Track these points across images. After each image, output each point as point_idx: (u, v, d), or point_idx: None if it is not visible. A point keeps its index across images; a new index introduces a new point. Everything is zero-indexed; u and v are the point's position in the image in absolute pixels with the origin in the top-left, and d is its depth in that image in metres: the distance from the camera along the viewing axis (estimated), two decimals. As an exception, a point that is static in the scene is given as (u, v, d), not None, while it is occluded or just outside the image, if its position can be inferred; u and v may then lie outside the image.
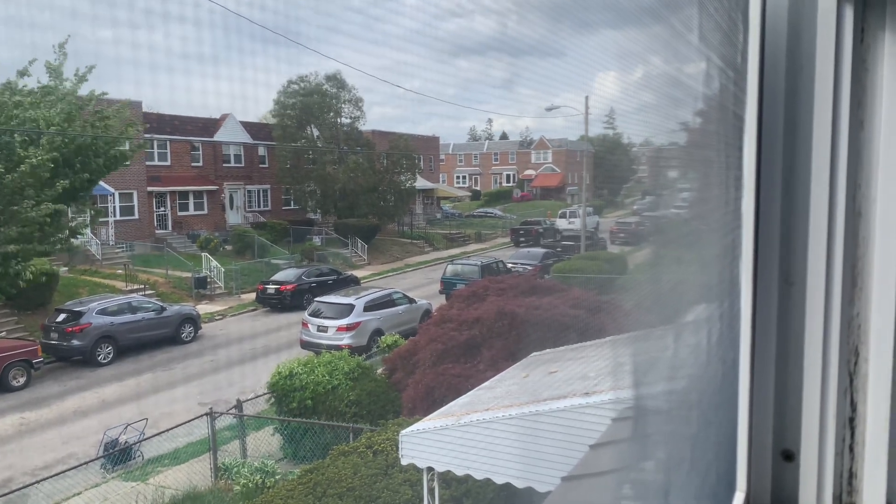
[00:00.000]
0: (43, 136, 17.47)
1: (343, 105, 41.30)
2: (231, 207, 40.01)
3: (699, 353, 1.28)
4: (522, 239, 44.89)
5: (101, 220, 28.05)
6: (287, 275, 26.57)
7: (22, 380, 16.70)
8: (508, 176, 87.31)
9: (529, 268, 27.44)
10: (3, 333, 20.10)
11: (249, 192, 41.30)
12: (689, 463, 1.17)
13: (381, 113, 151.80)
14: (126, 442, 11.76)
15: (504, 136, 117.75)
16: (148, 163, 34.26)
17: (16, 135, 17.24)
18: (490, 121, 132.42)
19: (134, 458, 11.88)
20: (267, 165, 42.18)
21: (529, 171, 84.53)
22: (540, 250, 32.33)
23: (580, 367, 7.28)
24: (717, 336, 1.27)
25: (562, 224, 48.36)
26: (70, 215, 21.11)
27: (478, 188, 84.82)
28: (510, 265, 27.62)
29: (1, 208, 16.57)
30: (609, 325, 10.56)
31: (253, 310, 26.14)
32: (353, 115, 42.04)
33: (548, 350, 9.19)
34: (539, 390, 6.60)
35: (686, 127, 1.34)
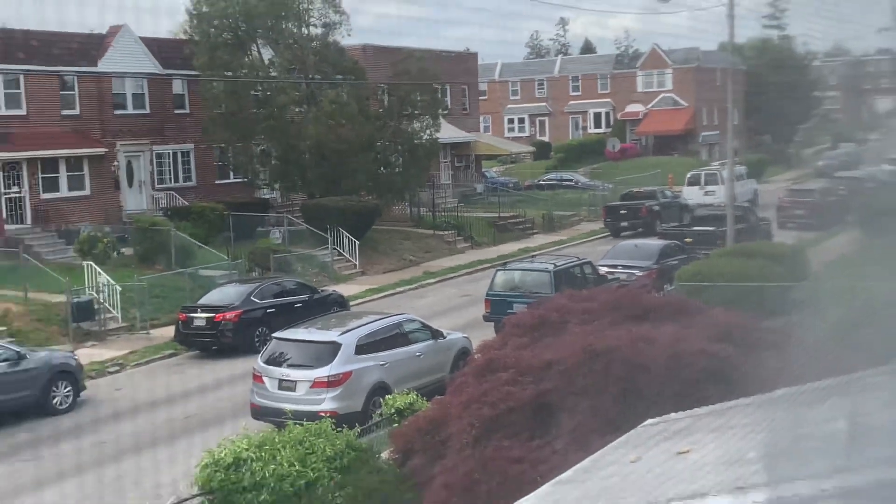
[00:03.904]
0: None
1: (311, 6, 41.58)
2: (130, 184, 40.57)
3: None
4: (625, 224, 44.72)
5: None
6: (226, 295, 26.84)
7: None
8: (598, 116, 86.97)
9: (638, 274, 27.23)
10: None
11: (160, 157, 41.86)
12: None
13: (378, 15, 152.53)
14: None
15: (589, 49, 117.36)
16: (-11, 112, 34.95)
17: None
18: (564, 21, 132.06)
19: None
20: (188, 111, 42.67)
21: (634, 107, 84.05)
22: (656, 243, 32.16)
23: (731, 442, 7.21)
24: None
25: (693, 196, 48.12)
26: None
27: (545, 138, 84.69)
28: (605, 270, 27.50)
29: None
30: (780, 369, 10.42)
31: (171, 354, 26.43)
32: (327, 22, 42.33)
33: (672, 415, 9.11)
34: (660, 485, 6.55)
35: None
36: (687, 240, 33.72)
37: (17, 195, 36.27)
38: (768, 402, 8.33)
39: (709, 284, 22.68)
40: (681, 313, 14.13)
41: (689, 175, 51.73)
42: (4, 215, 35.40)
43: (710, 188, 48.06)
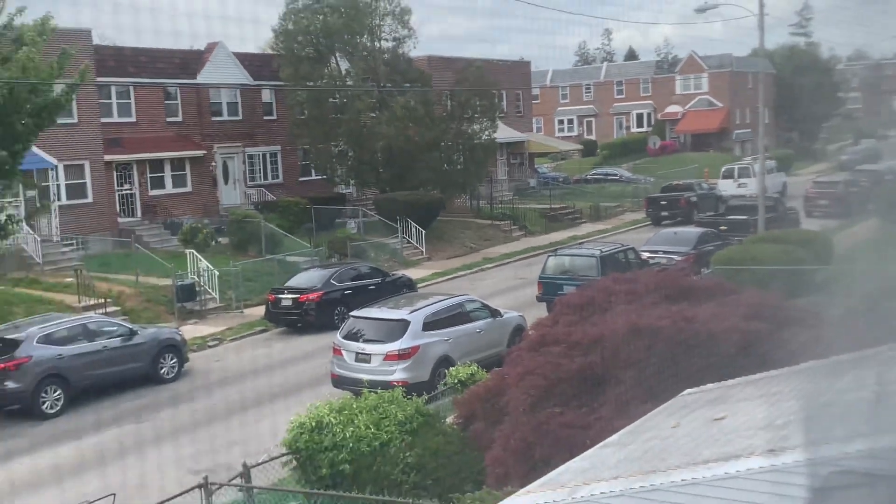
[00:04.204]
0: None
1: (382, 21, 41.71)
2: (226, 181, 41.16)
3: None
4: (665, 213, 44.33)
5: (45, 206, 29.32)
6: (309, 278, 27.12)
7: (-60, 439, 17.72)
8: (640, 116, 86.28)
9: (677, 258, 26.97)
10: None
11: (251, 157, 42.40)
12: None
13: (441, 30, 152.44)
14: (86, 528, 12.30)
15: (632, 56, 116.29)
16: (104, 119, 35.65)
17: None
18: (608, 32, 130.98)
19: (98, 550, 12.43)
20: (275, 118, 43.15)
21: (673, 108, 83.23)
22: (694, 230, 31.82)
23: (762, 409, 7.12)
24: None
25: (727, 188, 47.56)
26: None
27: (592, 137, 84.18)
28: (647, 255, 27.28)
29: None
30: (809, 343, 10.27)
31: (262, 330, 26.81)
32: (397, 36, 42.45)
33: (708, 385, 9.03)
34: (697, 447, 6.50)
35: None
36: (721, 228, 33.43)
37: (129, 192, 37.04)
38: (796, 374, 8.22)
39: (742, 268, 22.41)
40: (716, 294, 13.98)
41: (723, 169, 51.16)
42: (118, 210, 36.16)
43: (742, 181, 47.44)
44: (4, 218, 21.90)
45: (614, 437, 8.00)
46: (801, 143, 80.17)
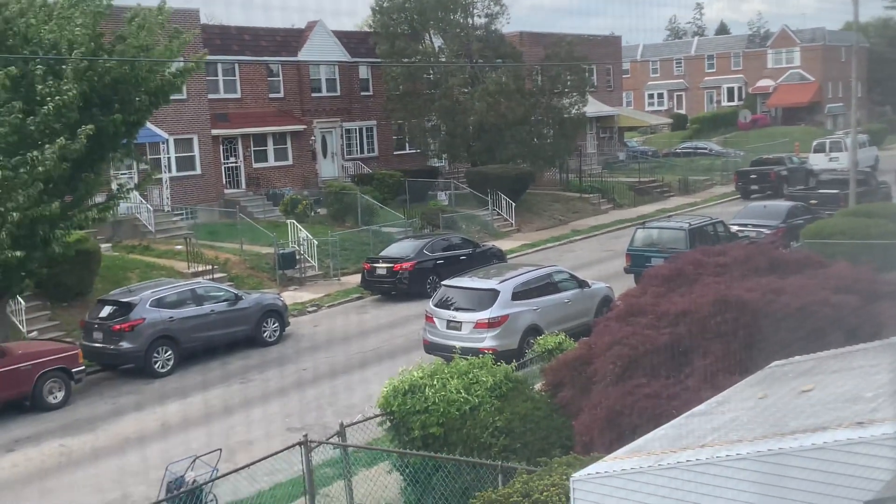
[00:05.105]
0: (68, 65, 18.75)
1: (475, -2, 41.54)
2: (324, 154, 41.73)
3: None
4: (755, 187, 43.34)
5: (155, 177, 30.17)
6: (403, 248, 27.38)
7: (60, 395, 18.57)
8: (731, 91, 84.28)
9: (767, 232, 26.39)
10: (35, 334, 22.40)
11: (348, 132, 42.85)
12: None
13: (532, 4, 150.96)
14: (194, 481, 12.72)
15: (723, 30, 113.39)
16: (210, 96, 36.46)
17: (38, 65, 18.74)
18: (700, 6, 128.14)
19: (205, 502, 12.86)
20: (371, 93, 43.49)
21: (765, 82, 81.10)
22: (784, 204, 31.08)
23: (849, 382, 6.98)
24: None
25: (818, 162, 46.26)
26: (109, 172, 22.77)
27: (682, 111, 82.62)
28: (736, 228, 26.78)
29: (14, 164, 18.15)
30: (897, 318, 9.98)
31: (357, 297, 27.23)
32: (489, 13, 42.25)
33: (797, 358, 8.87)
34: (784, 418, 6.41)
35: None
36: (812, 202, 32.59)
37: (234, 165, 37.86)
38: (886, 348, 8.00)
39: (831, 242, 21.81)
40: (805, 267, 13.64)
41: (815, 143, 49.81)
42: (224, 181, 37.03)
43: (834, 155, 46.07)
44: (116, 187, 22.64)
45: (702, 406, 7.93)
46: (894, 117, 77.18)
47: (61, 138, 18.13)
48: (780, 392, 7.50)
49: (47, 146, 18.19)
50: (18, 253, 18.44)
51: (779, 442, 5.78)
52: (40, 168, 18.14)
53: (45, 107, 18.32)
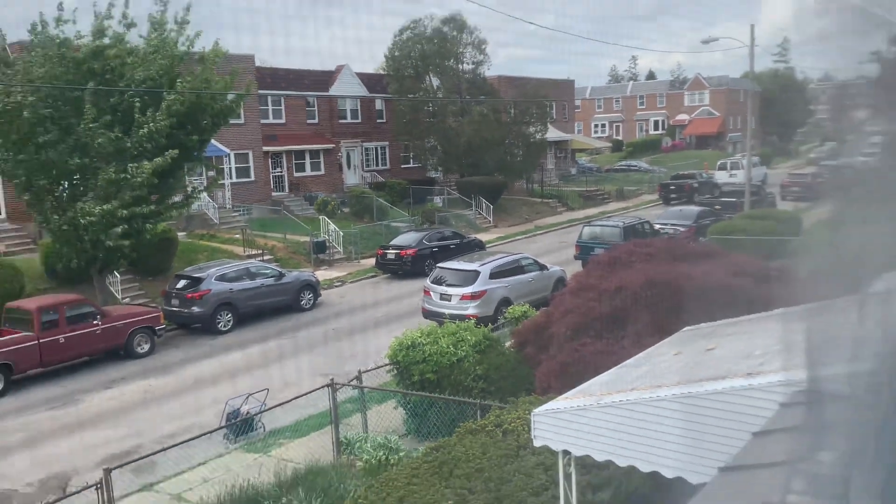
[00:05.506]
0: (164, 100, 18.76)
1: (464, 49, 41.31)
2: (348, 167, 41.56)
3: (892, 326, 1.21)
4: (674, 196, 43.36)
5: (219, 182, 30.06)
6: (407, 239, 27.35)
7: (146, 346, 18.54)
8: (657, 122, 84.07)
9: (682, 229, 26.45)
10: (128, 300, 22.36)
11: (367, 149, 42.65)
12: (873, 455, 1.13)
13: (507, 55, 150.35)
14: (248, 412, 12.76)
15: (651, 76, 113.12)
16: (262, 121, 36.26)
17: (136, 98, 18.70)
18: (634, 58, 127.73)
19: (256, 429, 12.90)
20: (385, 120, 43.29)
21: (682, 116, 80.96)
22: (695, 209, 31.13)
23: (743, 344, 7.01)
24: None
25: (721, 177, 46.26)
26: (185, 178, 22.77)
27: (619, 138, 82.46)
28: (659, 227, 26.80)
29: (115, 174, 18.23)
30: (778, 295, 10.02)
31: (373, 276, 27.21)
32: (475, 60, 42.01)
33: (704, 324, 8.89)
34: (693, 370, 6.44)
35: (879, 56, 1.26)
36: (716, 207, 32.65)
37: (279, 174, 37.70)
38: (771, 317, 8.05)
39: (731, 237, 21.88)
40: (711, 256, 13.69)
41: (719, 163, 49.85)
42: (272, 186, 36.88)
43: (733, 172, 46.07)
44: (191, 189, 22.61)
45: (630, 360, 7.96)
46: (780, 144, 77.27)
47: (159, 158, 18.33)
48: (690, 350, 7.53)
49: (145, 162, 18.33)
50: (126, 242, 18.61)
51: (690, 387, 5.81)
52: (138, 179, 18.22)
53: (141, 130, 18.37)
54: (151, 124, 18.35)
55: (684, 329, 8.87)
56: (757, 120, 70.56)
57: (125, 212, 18.26)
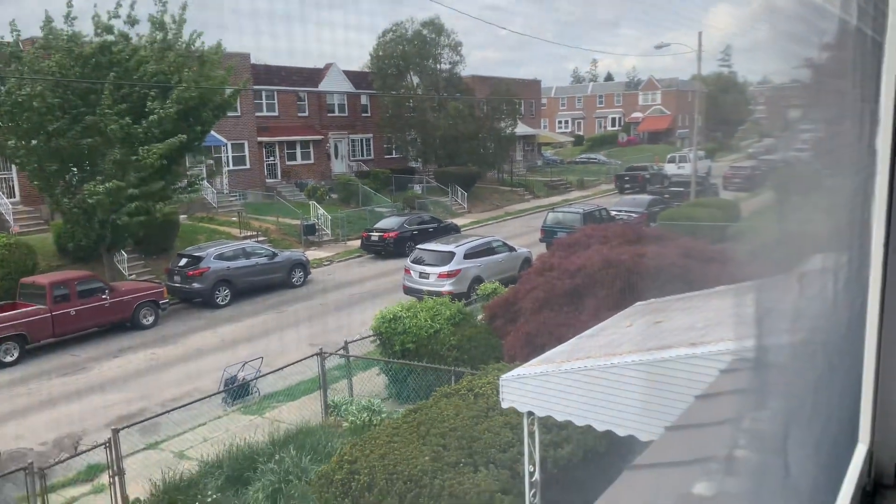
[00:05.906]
0: (173, 91, 18.59)
1: (442, 51, 41.00)
2: (336, 157, 41.18)
3: (824, 299, 1.22)
4: (628, 186, 43.59)
5: (216, 169, 29.69)
6: (390, 223, 27.23)
7: (151, 319, 18.33)
8: (614, 119, 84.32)
9: (635, 216, 26.65)
10: (134, 276, 22.06)
11: (353, 141, 42.26)
12: (808, 413, 1.14)
13: (481, 57, 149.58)
14: (244, 378, 12.71)
15: (609, 78, 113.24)
16: (257, 114, 35.75)
17: (150, 90, 18.54)
18: (594, 61, 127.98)
19: (251, 393, 12.85)
20: (369, 114, 42.89)
21: (636, 114, 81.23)
22: (646, 197, 31.33)
23: (687, 317, 7.09)
24: (844, 281, 1.21)
25: (670, 169, 46.52)
26: (187, 165, 22.56)
27: (580, 133, 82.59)
28: (614, 213, 26.95)
29: (121, 157, 18.01)
30: (720, 275, 10.15)
31: (358, 256, 27.08)
32: (452, 61, 41.73)
33: (653, 300, 8.97)
34: (644, 340, 6.50)
35: (810, 62, 1.26)
36: (666, 196, 32.88)
37: (273, 162, 37.26)
38: (713, 294, 8.14)
39: (679, 223, 22.09)
40: (661, 239, 13.80)
41: (668, 156, 50.16)
42: (265, 173, 36.45)
43: (681, 164, 46.42)
44: (191, 176, 22.37)
45: (588, 331, 8.02)
46: (723, 140, 78.04)
47: (171, 139, 18.17)
48: (642, 322, 7.61)
49: (157, 144, 18.19)
50: (140, 218, 18.56)
51: (641, 356, 5.87)
52: (149, 160, 18.03)
53: (151, 116, 18.19)
54: (161, 110, 18.18)
55: (636, 304, 8.95)
56: (703, 118, 71.25)
57: (135, 191, 18.11)
